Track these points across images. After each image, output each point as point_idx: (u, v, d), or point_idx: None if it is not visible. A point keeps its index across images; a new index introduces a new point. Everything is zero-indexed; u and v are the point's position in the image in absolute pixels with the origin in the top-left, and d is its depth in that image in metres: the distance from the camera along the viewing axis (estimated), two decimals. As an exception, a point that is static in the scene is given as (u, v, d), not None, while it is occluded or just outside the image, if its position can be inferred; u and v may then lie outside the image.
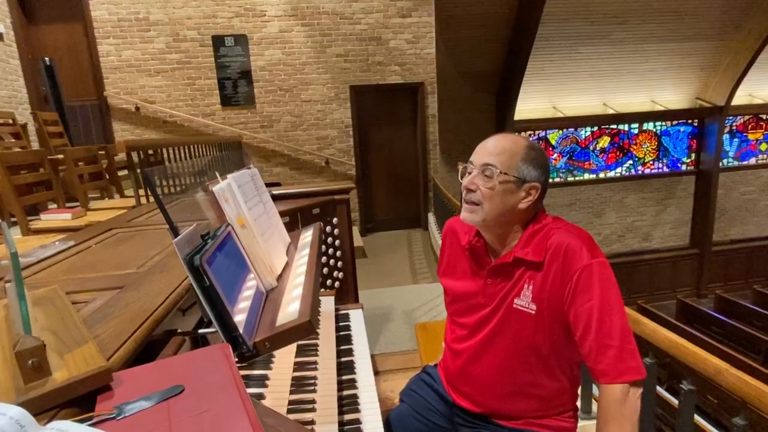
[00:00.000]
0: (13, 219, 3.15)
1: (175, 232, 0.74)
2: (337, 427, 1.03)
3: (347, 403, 1.16)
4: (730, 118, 8.63)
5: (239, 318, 0.81)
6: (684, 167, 8.94)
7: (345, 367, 1.34)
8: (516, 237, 1.07)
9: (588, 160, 8.71)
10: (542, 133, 8.47)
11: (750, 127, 8.99)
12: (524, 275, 1.04)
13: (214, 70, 5.55)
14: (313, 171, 6.06)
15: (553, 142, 8.54)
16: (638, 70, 8.04)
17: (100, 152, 3.57)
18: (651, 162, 8.88)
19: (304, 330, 0.81)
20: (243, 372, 1.05)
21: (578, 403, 1.33)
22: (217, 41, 5.51)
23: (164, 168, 2.74)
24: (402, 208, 6.42)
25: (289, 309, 0.91)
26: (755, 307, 7.19)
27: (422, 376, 1.41)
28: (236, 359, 0.81)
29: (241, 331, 0.77)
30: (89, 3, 5.15)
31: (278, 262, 1.19)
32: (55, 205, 3.33)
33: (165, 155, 3.22)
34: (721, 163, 8.69)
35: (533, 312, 1.02)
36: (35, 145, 4.46)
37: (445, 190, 5.25)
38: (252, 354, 0.79)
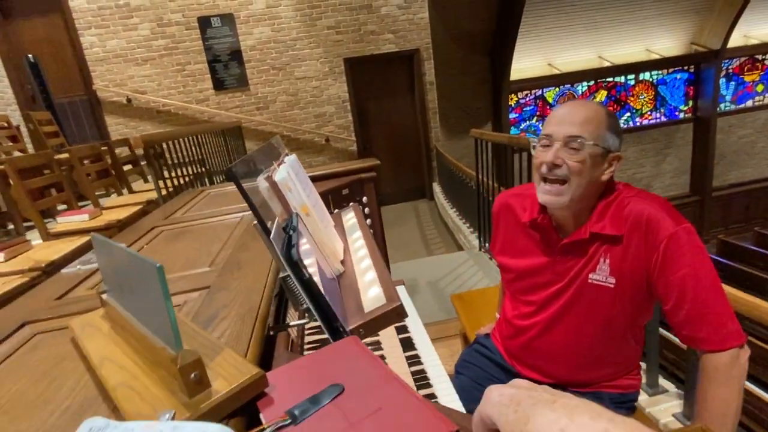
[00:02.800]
0: (26, 224, 3.10)
1: (266, 229, 0.72)
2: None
3: (417, 379, 1.17)
4: (726, 61, 8.53)
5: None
6: (682, 115, 8.90)
7: (405, 344, 1.35)
8: (589, 210, 1.02)
9: (586, 115, 8.64)
10: (539, 92, 8.35)
11: (746, 69, 8.91)
12: (600, 249, 0.99)
13: (203, 54, 5.38)
14: (314, 150, 5.98)
15: (551, 101, 8.43)
16: (632, 19, 7.88)
17: (102, 148, 3.48)
18: (649, 113, 8.82)
19: (397, 314, 0.81)
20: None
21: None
22: (204, 22, 5.31)
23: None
24: (406, 179, 6.39)
25: (371, 294, 0.90)
26: (757, 248, 7.32)
27: (476, 347, 1.39)
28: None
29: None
30: (66, -8, 4.92)
31: (339, 246, 1.17)
32: (64, 207, 3.28)
33: (171, 147, 3.14)
34: (718, 108, 8.65)
35: (612, 286, 0.99)
36: (29, 148, 4.35)
37: (450, 157, 5.20)
38: (345, 333, 0.78)
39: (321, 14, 5.56)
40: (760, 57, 8.82)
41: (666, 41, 8.39)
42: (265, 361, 0.64)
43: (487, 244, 3.52)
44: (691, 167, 9.12)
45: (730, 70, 8.76)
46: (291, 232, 0.80)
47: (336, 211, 1.61)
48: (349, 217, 1.48)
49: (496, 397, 0.35)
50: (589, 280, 1.01)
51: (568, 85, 8.43)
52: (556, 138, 0.97)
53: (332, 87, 5.79)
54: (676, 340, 2.02)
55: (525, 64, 7.83)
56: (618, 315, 1.02)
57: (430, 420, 0.43)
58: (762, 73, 8.97)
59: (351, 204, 1.62)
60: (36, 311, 0.81)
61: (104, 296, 0.70)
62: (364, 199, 2.02)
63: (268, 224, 0.78)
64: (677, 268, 0.90)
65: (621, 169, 8.90)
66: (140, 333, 0.54)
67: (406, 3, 5.74)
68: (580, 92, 8.49)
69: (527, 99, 8.30)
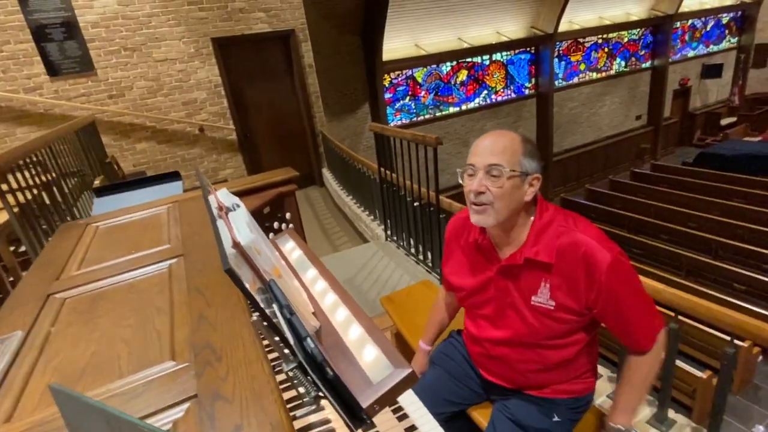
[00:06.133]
0: None
1: (274, 328, 0.61)
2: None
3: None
4: (558, 43, 9.90)
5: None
6: (527, 92, 10.13)
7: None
8: (522, 231, 1.11)
9: (451, 94, 9.28)
10: (409, 72, 8.67)
11: (572, 50, 10.46)
12: (539, 275, 1.08)
13: (26, 31, 4.32)
14: (187, 141, 5.36)
15: (420, 80, 8.84)
16: (485, 3, 8.60)
17: None
18: (501, 90, 9.84)
19: (411, 381, 0.78)
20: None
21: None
22: (21, -9, 4.24)
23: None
24: (293, 167, 6.12)
25: (368, 357, 0.86)
26: (587, 202, 8.93)
27: (453, 342, 1.46)
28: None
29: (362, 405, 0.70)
30: None
31: (305, 296, 1.07)
32: None
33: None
34: (554, 85, 10.06)
35: (552, 308, 1.09)
36: None
37: (337, 143, 5.14)
38: (368, 422, 0.74)
39: (178, -13, 4.88)
40: (581, 40, 10.43)
41: (511, 25, 9.37)
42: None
43: (389, 232, 3.62)
44: (536, 137, 10.55)
45: (561, 51, 10.21)
46: (289, 316, 0.71)
47: (271, 237, 1.48)
48: (290, 247, 1.37)
49: None
50: (532, 302, 1.11)
51: (434, 65, 8.92)
52: (478, 168, 1.06)
53: (201, 70, 5.20)
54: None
55: (395, 44, 8.04)
56: (564, 330, 1.12)
57: None
58: (583, 53, 10.65)
59: (286, 229, 1.49)
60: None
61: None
62: (287, 215, 1.90)
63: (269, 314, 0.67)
64: (614, 294, 1.03)
65: (484, 142, 9.87)
66: None
67: (275, -21, 5.36)
68: (444, 72, 9.05)
69: (399, 79, 8.58)
